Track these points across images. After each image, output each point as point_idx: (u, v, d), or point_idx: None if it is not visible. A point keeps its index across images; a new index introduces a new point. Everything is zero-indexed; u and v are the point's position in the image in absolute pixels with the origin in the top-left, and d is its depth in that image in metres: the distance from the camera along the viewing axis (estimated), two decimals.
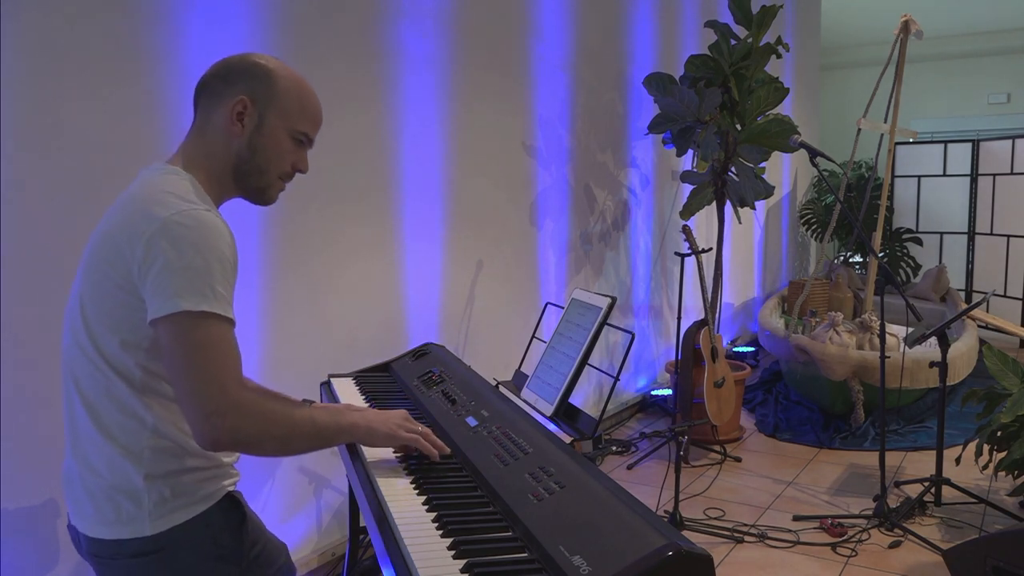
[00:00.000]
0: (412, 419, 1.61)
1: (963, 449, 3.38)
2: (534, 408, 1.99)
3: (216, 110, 1.38)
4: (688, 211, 4.40)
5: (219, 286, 1.24)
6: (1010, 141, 6.68)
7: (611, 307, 1.93)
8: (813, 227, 7.57)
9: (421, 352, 2.34)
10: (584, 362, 1.92)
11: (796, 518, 3.27)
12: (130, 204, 1.29)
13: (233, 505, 1.39)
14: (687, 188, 4.87)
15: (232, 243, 1.30)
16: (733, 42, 4.19)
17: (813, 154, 3.29)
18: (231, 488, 1.40)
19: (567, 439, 1.72)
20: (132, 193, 1.32)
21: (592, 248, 4.33)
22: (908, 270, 7.19)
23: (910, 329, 3.38)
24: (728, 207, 4.46)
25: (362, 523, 2.33)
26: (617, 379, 1.92)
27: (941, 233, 7.34)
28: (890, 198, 7.41)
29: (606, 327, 1.94)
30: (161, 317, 1.21)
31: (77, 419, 1.32)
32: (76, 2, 1.93)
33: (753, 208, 4.49)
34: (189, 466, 1.33)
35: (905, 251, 7.16)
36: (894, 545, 3.02)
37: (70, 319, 1.34)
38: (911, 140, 6.89)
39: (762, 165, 4.45)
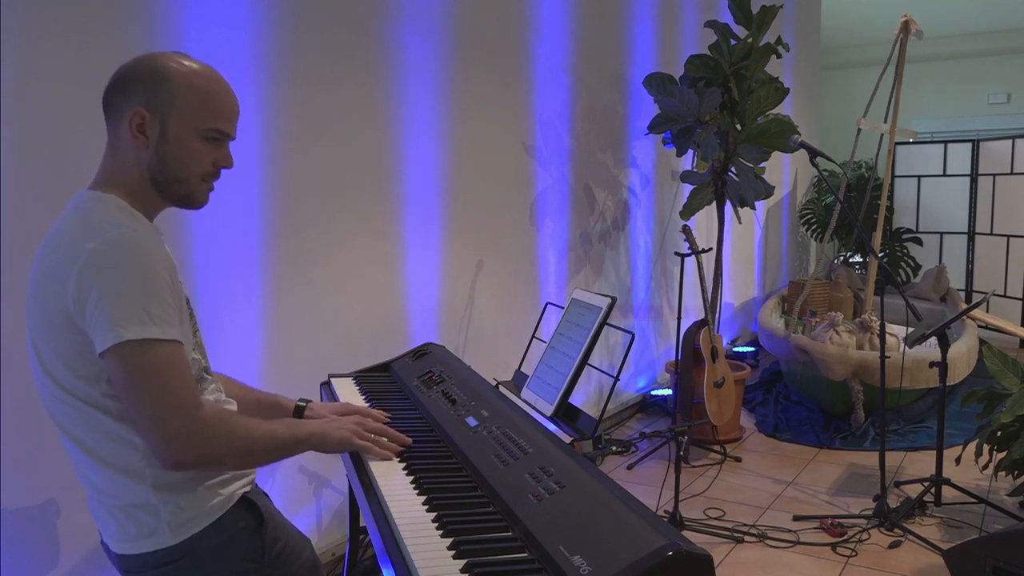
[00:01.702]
0: (367, 422, 1.62)
1: (963, 449, 3.38)
2: (534, 408, 1.99)
3: (120, 125, 1.32)
4: (688, 211, 4.40)
5: (155, 308, 1.22)
6: (1010, 141, 6.68)
7: (611, 307, 1.93)
8: (813, 227, 7.57)
9: (421, 352, 2.34)
10: (584, 362, 1.91)
11: (796, 518, 3.27)
12: (58, 241, 1.27)
13: (249, 507, 1.40)
14: (687, 188, 4.87)
15: (164, 257, 1.27)
16: (733, 42, 4.19)
17: (813, 154, 3.29)
18: (246, 490, 1.41)
19: (567, 439, 1.72)
20: (58, 229, 1.30)
21: (592, 248, 4.33)
22: (908, 270, 7.19)
23: (910, 329, 3.38)
24: (728, 207, 4.46)
25: (362, 523, 2.33)
26: (617, 379, 1.92)
27: (941, 233, 7.34)
28: (890, 198, 7.41)
29: (606, 327, 1.94)
30: (106, 350, 1.20)
31: (73, 455, 1.33)
32: (74, 4, 1.93)
33: (753, 208, 4.49)
34: (194, 474, 1.33)
35: (905, 251, 7.16)
36: (894, 545, 3.02)
37: (32, 366, 1.33)
38: (911, 140, 6.89)
39: (762, 165, 4.45)
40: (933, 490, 3.36)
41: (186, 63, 1.33)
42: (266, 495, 1.52)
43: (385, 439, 1.62)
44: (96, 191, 1.33)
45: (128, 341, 1.19)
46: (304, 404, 1.75)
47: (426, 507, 1.40)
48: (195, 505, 1.32)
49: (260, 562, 1.39)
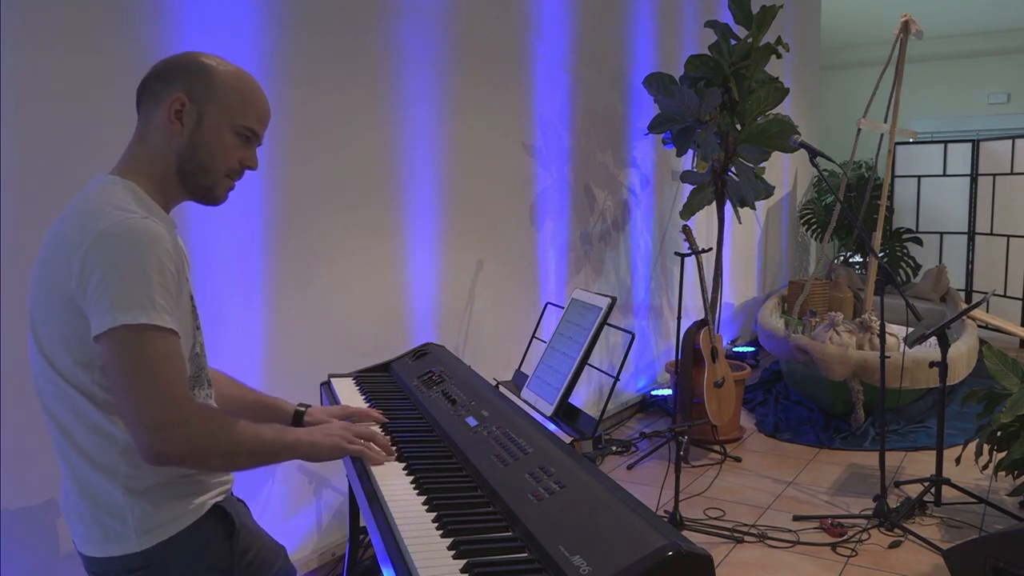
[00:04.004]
0: (352, 428, 1.59)
1: (963, 449, 3.38)
2: (534, 408, 1.99)
3: (156, 111, 1.35)
4: (688, 211, 4.40)
5: (158, 296, 1.21)
6: (1010, 141, 6.68)
7: (611, 307, 1.93)
8: (813, 227, 7.57)
9: (421, 352, 2.34)
10: (584, 362, 1.91)
11: (796, 518, 3.27)
12: (67, 221, 1.27)
13: (221, 516, 1.38)
14: (687, 188, 4.87)
15: (172, 249, 1.26)
16: (733, 42, 4.19)
17: (813, 154, 3.29)
18: (219, 500, 1.39)
19: (567, 439, 1.72)
20: (70, 210, 1.30)
21: (592, 248, 4.33)
22: (908, 270, 7.19)
23: (910, 329, 3.38)
24: (728, 207, 4.46)
25: (362, 523, 2.33)
26: (617, 379, 1.92)
27: (941, 233, 7.34)
28: (890, 198, 7.41)
29: (606, 327, 1.94)
30: (102, 333, 1.19)
31: (55, 440, 1.33)
32: (75, 6, 1.93)
33: (753, 208, 4.49)
34: (170, 479, 1.31)
35: (905, 251, 7.16)
36: (894, 545, 3.02)
37: (30, 345, 1.33)
38: (911, 140, 6.89)
39: (762, 165, 4.45)
40: (933, 490, 3.36)
41: (229, 64, 1.39)
42: (243, 503, 1.50)
43: (374, 444, 1.58)
44: (116, 176, 1.33)
45: (124, 326, 1.18)
46: (303, 409, 1.73)
47: (426, 507, 1.40)
48: (164, 512, 1.30)
49: (229, 572, 1.37)
